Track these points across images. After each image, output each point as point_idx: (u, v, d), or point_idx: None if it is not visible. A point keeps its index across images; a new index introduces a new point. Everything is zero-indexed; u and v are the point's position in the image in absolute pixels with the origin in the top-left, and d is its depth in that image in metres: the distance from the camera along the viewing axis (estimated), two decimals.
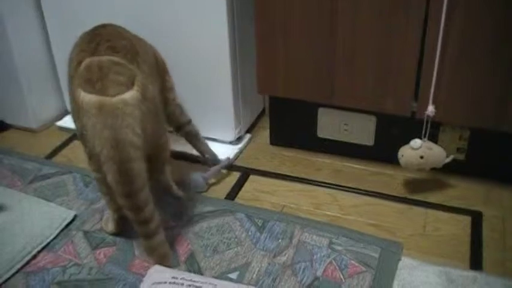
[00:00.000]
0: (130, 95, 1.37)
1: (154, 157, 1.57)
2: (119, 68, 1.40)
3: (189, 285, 1.38)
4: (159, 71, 1.68)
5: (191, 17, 1.84)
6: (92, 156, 1.46)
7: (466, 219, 1.69)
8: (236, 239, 1.61)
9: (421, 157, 1.69)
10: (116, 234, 1.64)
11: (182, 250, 1.58)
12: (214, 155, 1.94)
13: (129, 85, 1.39)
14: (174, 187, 1.76)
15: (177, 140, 1.91)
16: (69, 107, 2.28)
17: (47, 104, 2.26)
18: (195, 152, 1.95)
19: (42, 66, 2.20)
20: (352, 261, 1.52)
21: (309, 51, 1.76)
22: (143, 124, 1.40)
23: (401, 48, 1.64)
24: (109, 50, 1.45)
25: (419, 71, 1.66)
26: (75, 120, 1.47)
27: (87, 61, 1.41)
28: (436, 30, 1.56)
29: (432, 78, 1.62)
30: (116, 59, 1.42)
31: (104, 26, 1.60)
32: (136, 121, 1.38)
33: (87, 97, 1.35)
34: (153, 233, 1.47)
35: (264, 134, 2.13)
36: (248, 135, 2.13)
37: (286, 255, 1.55)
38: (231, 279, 1.49)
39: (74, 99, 1.42)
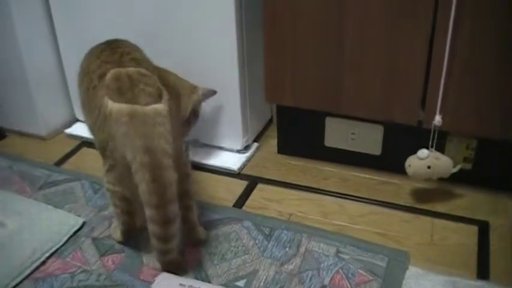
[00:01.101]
0: (161, 106, 1.38)
1: (179, 178, 1.51)
2: (147, 79, 1.41)
3: None
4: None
5: (199, 25, 1.86)
6: (114, 168, 1.46)
7: (473, 229, 1.69)
8: (243, 247, 1.62)
9: (429, 167, 1.69)
10: (123, 243, 1.64)
11: (190, 258, 1.59)
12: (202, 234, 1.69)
13: (158, 97, 1.39)
14: (199, 228, 1.65)
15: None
16: (80, 117, 2.29)
17: (56, 112, 2.28)
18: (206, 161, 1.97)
19: (52, 74, 2.21)
20: (359, 270, 1.52)
21: (317, 61, 1.77)
22: (171, 136, 1.40)
23: (409, 57, 1.65)
24: (133, 61, 1.45)
25: (427, 81, 1.66)
26: (97, 131, 1.47)
27: (114, 72, 1.40)
28: (443, 40, 1.57)
29: (439, 87, 1.63)
30: (142, 70, 1.43)
31: (116, 40, 1.61)
32: (168, 131, 1.38)
33: (116, 106, 1.35)
34: (172, 251, 1.47)
35: (272, 142, 2.13)
36: (256, 144, 2.13)
37: (294, 264, 1.55)
38: (238, 287, 1.49)
39: (97, 109, 1.41)
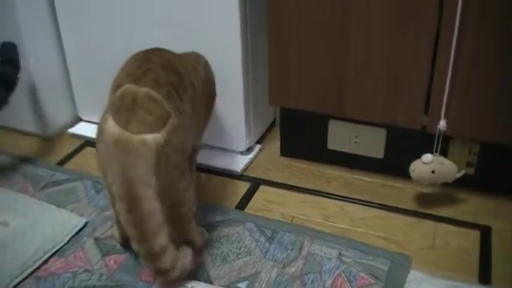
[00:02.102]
0: (153, 137, 1.32)
1: (173, 205, 1.47)
2: (153, 106, 1.35)
3: None
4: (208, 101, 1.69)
5: (204, 29, 1.86)
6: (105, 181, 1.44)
7: (475, 234, 1.69)
8: (246, 249, 1.62)
9: (433, 172, 1.69)
10: (122, 245, 1.63)
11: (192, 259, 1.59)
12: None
13: (156, 127, 1.33)
14: (199, 239, 1.62)
15: None
16: (84, 116, 2.30)
17: (59, 111, 2.28)
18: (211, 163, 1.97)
19: (56, 74, 2.22)
20: (361, 274, 1.52)
21: (321, 64, 1.77)
22: (158, 170, 1.34)
23: (413, 62, 1.65)
24: (153, 82, 1.40)
25: (431, 85, 1.66)
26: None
27: (125, 88, 1.38)
28: (448, 45, 1.57)
29: (444, 92, 1.63)
30: (154, 94, 1.37)
31: (160, 51, 1.57)
32: (152, 164, 1.31)
33: (110, 125, 1.33)
34: (169, 273, 1.41)
35: (275, 144, 2.13)
36: (258, 146, 2.13)
37: (296, 266, 1.56)
38: None
39: (101, 118, 1.39)
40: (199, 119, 1.65)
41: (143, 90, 1.36)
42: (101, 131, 1.37)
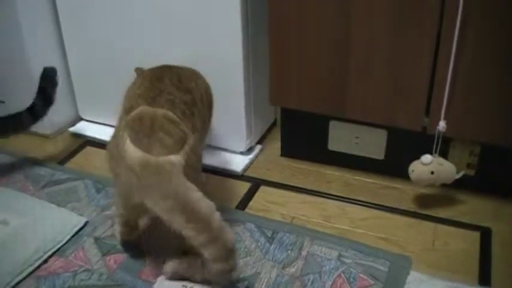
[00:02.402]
0: (175, 158, 1.33)
1: None
2: (171, 128, 1.37)
3: None
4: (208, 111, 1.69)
5: (205, 29, 1.86)
6: (120, 197, 1.46)
7: (475, 235, 1.69)
8: (246, 249, 1.62)
9: (432, 172, 1.69)
10: (122, 245, 1.63)
11: None
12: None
13: (176, 149, 1.35)
14: None
15: None
16: (85, 116, 2.30)
17: (60, 110, 2.27)
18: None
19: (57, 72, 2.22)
20: (361, 275, 1.52)
21: (322, 65, 1.77)
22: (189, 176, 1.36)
23: (414, 63, 1.65)
24: (168, 103, 1.41)
25: (432, 86, 1.66)
26: (110, 158, 1.45)
27: (141, 110, 1.38)
28: (449, 47, 1.57)
29: (444, 93, 1.63)
30: (171, 115, 1.38)
31: (168, 68, 1.59)
32: (182, 176, 1.33)
33: (132, 150, 1.33)
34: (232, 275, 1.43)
35: (275, 145, 2.14)
36: (259, 146, 2.14)
37: (296, 267, 1.56)
38: None
39: (117, 141, 1.39)
40: (206, 130, 1.66)
41: (160, 111, 1.38)
42: (121, 157, 1.35)
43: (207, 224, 1.31)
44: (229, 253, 1.35)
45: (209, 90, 1.72)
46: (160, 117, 1.37)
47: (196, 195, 1.32)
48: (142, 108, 1.39)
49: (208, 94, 1.71)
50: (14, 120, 1.95)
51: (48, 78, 1.97)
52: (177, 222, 1.30)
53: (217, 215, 1.33)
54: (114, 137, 1.44)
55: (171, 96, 1.43)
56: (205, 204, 1.32)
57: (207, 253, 1.32)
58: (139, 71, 1.73)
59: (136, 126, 1.36)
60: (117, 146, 1.37)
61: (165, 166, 1.31)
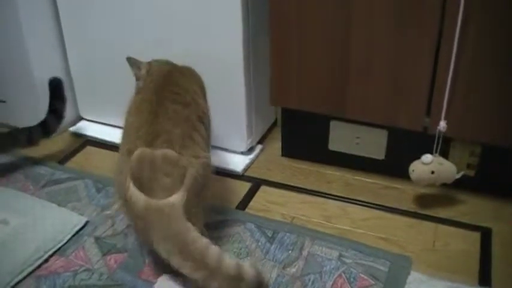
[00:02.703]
0: (177, 197, 1.38)
1: None
2: (169, 168, 1.41)
3: None
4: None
5: (206, 28, 1.86)
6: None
7: (476, 235, 1.69)
8: (246, 249, 1.62)
9: (432, 172, 1.69)
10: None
11: None
12: None
13: (176, 187, 1.40)
14: None
15: None
16: (85, 115, 2.30)
17: None
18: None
19: (57, 72, 2.21)
20: (361, 275, 1.52)
21: (323, 65, 1.77)
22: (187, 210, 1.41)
23: (415, 63, 1.65)
24: (167, 142, 1.44)
25: (432, 86, 1.66)
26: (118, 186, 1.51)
27: (140, 152, 1.41)
28: (449, 47, 1.57)
29: (445, 93, 1.63)
30: (169, 154, 1.42)
31: (169, 76, 1.63)
32: (182, 215, 1.38)
33: (135, 193, 1.39)
34: None
35: (276, 145, 2.13)
36: (260, 146, 2.14)
37: (296, 267, 1.56)
38: None
39: (121, 179, 1.44)
40: (209, 121, 1.67)
41: (158, 153, 1.41)
42: (127, 198, 1.41)
43: (203, 262, 1.33)
44: (236, 279, 1.34)
45: (203, 83, 1.74)
46: (160, 159, 1.41)
47: (192, 235, 1.36)
48: (142, 151, 1.42)
49: (203, 88, 1.73)
50: (25, 134, 2.00)
51: (57, 93, 2.03)
52: (175, 262, 1.35)
53: (213, 251, 1.35)
54: (118, 166, 1.51)
55: (168, 136, 1.46)
56: (200, 244, 1.35)
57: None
58: (133, 60, 1.73)
59: (137, 171, 1.40)
60: (124, 187, 1.43)
61: (164, 209, 1.37)
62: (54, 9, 2.12)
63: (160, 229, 1.37)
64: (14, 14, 2.02)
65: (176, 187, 1.40)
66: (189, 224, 1.37)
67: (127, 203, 1.42)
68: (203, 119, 1.60)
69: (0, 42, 2.12)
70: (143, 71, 1.70)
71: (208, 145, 1.61)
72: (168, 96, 1.56)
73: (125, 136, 1.54)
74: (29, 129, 2.00)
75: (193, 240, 1.35)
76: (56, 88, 2.02)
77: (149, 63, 1.73)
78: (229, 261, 1.35)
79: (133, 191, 1.39)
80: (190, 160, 1.44)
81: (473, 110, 1.65)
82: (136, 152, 1.41)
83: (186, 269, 1.34)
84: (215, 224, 1.71)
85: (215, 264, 1.33)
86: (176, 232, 1.36)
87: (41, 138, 2.02)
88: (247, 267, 1.35)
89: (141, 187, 1.39)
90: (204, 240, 1.36)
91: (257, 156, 2.10)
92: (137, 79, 1.72)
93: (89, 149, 2.19)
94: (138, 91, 1.66)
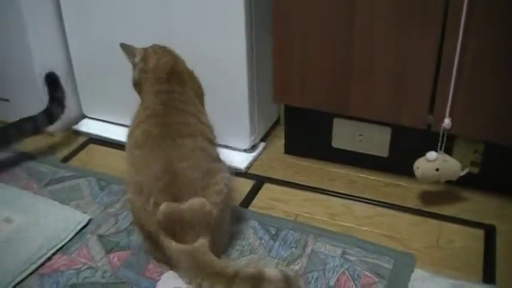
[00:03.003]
0: (201, 242, 1.43)
1: None
2: (197, 219, 1.44)
3: None
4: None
5: (209, 26, 1.86)
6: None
7: (480, 233, 1.69)
8: (250, 247, 1.62)
9: (437, 169, 1.69)
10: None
11: None
12: None
13: (202, 231, 1.44)
14: None
15: None
16: (88, 113, 2.30)
17: None
18: None
19: (61, 70, 2.21)
20: (365, 272, 1.52)
21: (326, 62, 1.77)
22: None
23: (418, 60, 1.65)
24: (189, 193, 1.46)
25: (436, 84, 1.66)
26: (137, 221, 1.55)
27: (167, 209, 1.43)
28: (453, 43, 1.57)
29: (449, 91, 1.63)
30: (195, 205, 1.44)
31: (169, 94, 1.61)
32: (211, 255, 1.43)
33: (166, 241, 1.44)
34: None
35: (279, 142, 2.13)
36: (263, 144, 2.13)
37: (300, 264, 1.55)
38: None
39: (150, 227, 1.47)
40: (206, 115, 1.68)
41: (185, 207, 1.44)
42: (167, 249, 1.45)
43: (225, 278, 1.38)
44: (257, 281, 1.37)
45: (200, 84, 1.73)
46: (187, 214, 1.44)
47: (220, 266, 1.41)
48: (168, 208, 1.44)
49: (200, 89, 1.73)
50: (31, 123, 2.01)
51: (54, 84, 2.04)
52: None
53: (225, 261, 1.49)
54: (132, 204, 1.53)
55: (190, 184, 1.47)
56: (228, 271, 1.38)
57: None
58: (127, 47, 1.71)
59: (166, 226, 1.43)
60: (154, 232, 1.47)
61: (192, 253, 1.42)
62: (57, 7, 2.12)
63: (189, 268, 1.42)
64: (16, 12, 2.02)
65: (202, 232, 1.44)
66: (215, 260, 1.42)
67: (157, 241, 1.47)
68: (211, 139, 1.60)
69: (3, 40, 2.13)
70: (138, 58, 1.69)
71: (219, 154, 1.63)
72: (175, 130, 1.53)
73: (135, 170, 1.51)
74: (34, 118, 2.00)
75: (221, 269, 1.39)
76: (54, 82, 2.03)
77: (145, 50, 1.72)
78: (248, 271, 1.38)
79: (165, 239, 1.44)
80: (213, 199, 1.48)
81: (477, 107, 1.64)
82: (163, 209, 1.43)
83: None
84: None
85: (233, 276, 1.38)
86: (204, 267, 1.41)
87: (47, 126, 2.03)
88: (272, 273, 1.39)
89: (172, 236, 1.43)
90: (232, 269, 1.38)
91: (260, 154, 2.10)
92: (133, 66, 1.71)
93: (92, 147, 2.19)
94: (143, 107, 1.63)
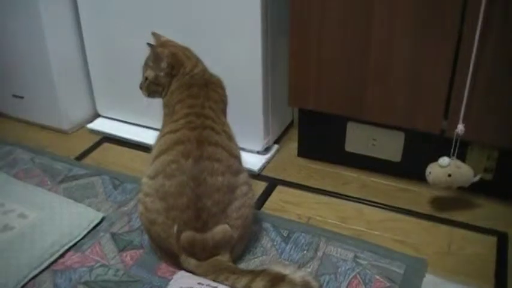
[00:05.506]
0: (223, 257, 1.50)
1: None
2: (219, 245, 1.49)
3: None
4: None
5: (225, 29, 1.87)
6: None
7: (492, 240, 1.69)
8: (262, 248, 1.62)
9: (449, 175, 1.69)
10: None
11: None
12: None
13: (224, 250, 1.50)
14: None
15: None
16: (102, 112, 2.31)
17: (78, 106, 2.30)
18: None
19: (76, 69, 2.24)
20: (377, 276, 1.52)
21: (341, 67, 1.77)
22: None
23: (434, 66, 1.65)
24: (214, 224, 1.49)
25: (451, 89, 1.66)
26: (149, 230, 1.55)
27: (190, 238, 1.47)
28: (469, 51, 1.56)
29: (463, 97, 1.62)
30: (218, 236, 1.48)
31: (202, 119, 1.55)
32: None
33: (186, 260, 1.49)
34: None
35: (292, 145, 2.14)
36: (276, 146, 2.14)
37: (311, 267, 1.56)
38: None
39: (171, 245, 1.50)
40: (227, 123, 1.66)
41: (209, 238, 1.48)
42: (186, 263, 1.51)
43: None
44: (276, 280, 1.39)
45: (225, 96, 1.69)
46: (210, 241, 1.48)
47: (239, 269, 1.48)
48: (192, 237, 1.47)
49: (225, 102, 1.68)
50: None
51: None
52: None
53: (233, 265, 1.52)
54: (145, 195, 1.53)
55: (207, 209, 1.47)
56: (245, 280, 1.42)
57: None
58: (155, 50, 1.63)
59: (189, 252, 1.49)
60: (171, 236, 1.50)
61: (214, 262, 1.48)
62: (74, 7, 2.14)
63: (208, 274, 1.46)
64: (34, 10, 2.04)
65: (223, 251, 1.50)
66: (236, 267, 1.50)
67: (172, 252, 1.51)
68: (238, 170, 1.58)
69: (20, 39, 2.14)
70: (164, 63, 1.62)
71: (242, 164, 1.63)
72: (204, 167, 1.48)
73: (164, 202, 1.48)
74: None
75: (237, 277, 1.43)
76: None
77: (173, 54, 1.64)
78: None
79: (185, 259, 1.49)
80: (235, 224, 1.51)
81: (491, 114, 1.64)
82: (187, 239, 1.47)
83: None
84: None
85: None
86: (224, 272, 1.46)
87: None
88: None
89: (192, 256, 1.49)
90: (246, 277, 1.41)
91: (273, 156, 2.10)
92: (155, 69, 1.63)
93: (106, 145, 2.20)
94: (174, 120, 1.56)
